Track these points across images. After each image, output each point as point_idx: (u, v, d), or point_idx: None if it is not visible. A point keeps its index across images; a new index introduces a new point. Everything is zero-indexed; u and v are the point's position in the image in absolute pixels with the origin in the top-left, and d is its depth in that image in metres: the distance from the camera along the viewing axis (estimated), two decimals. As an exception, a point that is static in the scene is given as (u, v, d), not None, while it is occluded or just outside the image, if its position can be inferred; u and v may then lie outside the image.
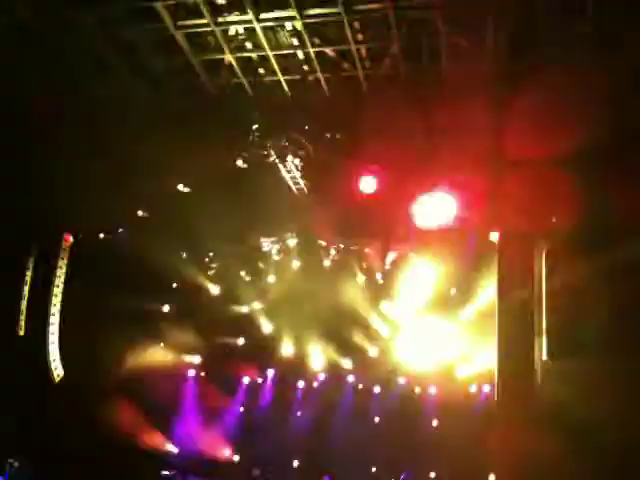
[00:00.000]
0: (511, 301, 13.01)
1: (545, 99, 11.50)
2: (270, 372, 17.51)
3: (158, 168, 14.65)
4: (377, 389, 16.68)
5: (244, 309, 17.40)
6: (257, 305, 17.23)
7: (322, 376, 17.14)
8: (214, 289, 17.11)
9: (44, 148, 14.61)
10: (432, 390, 16.08)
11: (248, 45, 13.25)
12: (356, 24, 11.99)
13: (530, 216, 12.60)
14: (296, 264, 16.56)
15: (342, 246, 15.90)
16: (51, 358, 15.71)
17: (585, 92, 11.28)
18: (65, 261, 16.05)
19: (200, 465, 16.66)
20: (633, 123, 11.98)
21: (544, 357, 13.28)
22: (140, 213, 16.09)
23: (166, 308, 17.25)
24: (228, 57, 13.55)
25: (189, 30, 13.06)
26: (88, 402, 15.44)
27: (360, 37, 12.23)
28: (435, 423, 15.87)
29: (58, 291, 15.81)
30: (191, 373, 17.60)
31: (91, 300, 15.89)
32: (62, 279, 15.87)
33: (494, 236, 13.29)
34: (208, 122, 14.28)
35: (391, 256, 15.56)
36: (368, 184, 13.73)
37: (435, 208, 13.08)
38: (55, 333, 15.83)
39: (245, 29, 12.83)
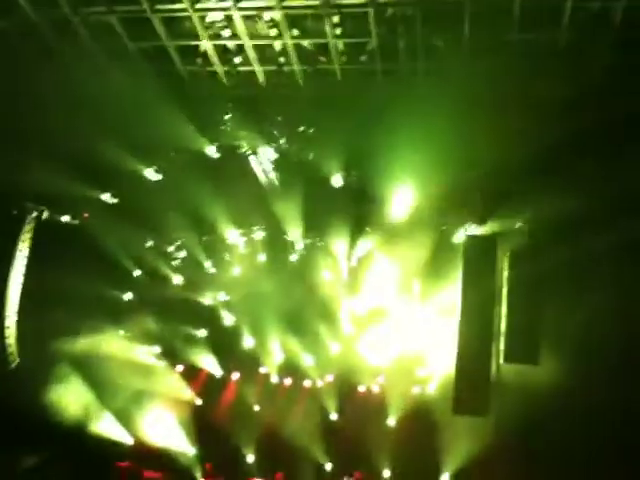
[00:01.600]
0: (473, 302, 13.19)
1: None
2: (235, 374, 17.38)
3: (127, 153, 14.50)
4: (335, 386, 16.64)
5: (207, 301, 17.24)
6: (221, 297, 17.07)
7: (281, 371, 17.06)
8: (177, 279, 16.91)
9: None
10: (390, 389, 16.10)
11: (225, 33, 13.27)
12: (335, 18, 12.07)
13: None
14: (262, 258, 16.51)
15: (309, 241, 15.95)
16: (7, 343, 15.31)
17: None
18: (26, 243, 15.68)
19: (155, 458, 16.41)
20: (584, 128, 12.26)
21: (501, 360, 13.50)
22: (106, 198, 15.94)
23: (128, 296, 16.97)
24: (204, 44, 13.53)
25: (166, 14, 12.99)
26: (40, 388, 15.14)
27: (338, 31, 12.31)
28: (392, 422, 15.89)
29: (17, 273, 15.40)
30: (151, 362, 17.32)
31: (49, 284, 15.53)
32: (22, 260, 15.44)
33: (459, 236, 13.50)
34: (180, 109, 14.19)
35: (357, 252, 15.61)
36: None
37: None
38: (12, 317, 15.44)
39: (224, 17, 12.84)
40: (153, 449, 16.53)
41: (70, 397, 15.58)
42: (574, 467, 13.19)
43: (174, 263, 16.93)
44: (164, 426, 16.89)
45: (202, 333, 17.23)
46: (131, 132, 14.38)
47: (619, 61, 11.69)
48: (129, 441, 16.55)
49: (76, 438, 15.61)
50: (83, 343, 16.15)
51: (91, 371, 15.93)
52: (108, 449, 16.10)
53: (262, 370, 17.04)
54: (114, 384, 16.27)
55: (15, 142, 14.27)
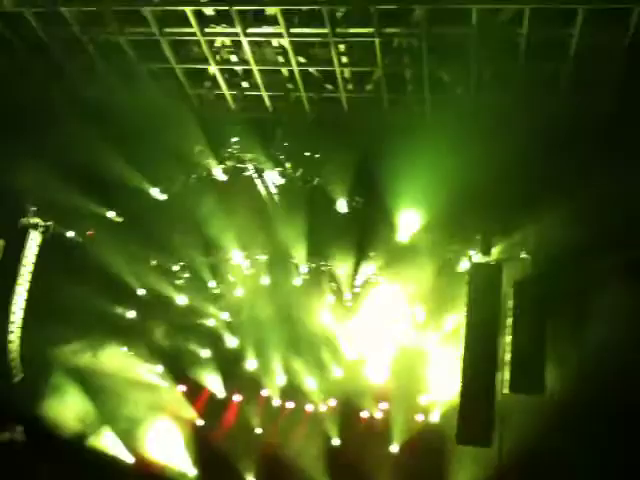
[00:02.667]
0: (477, 330, 13.07)
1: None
2: (237, 396, 17.31)
3: (134, 173, 14.57)
4: (337, 411, 16.52)
5: (210, 321, 17.21)
6: (224, 318, 17.04)
7: (283, 394, 16.97)
8: (181, 299, 16.88)
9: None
10: (393, 415, 15.97)
11: (233, 58, 13.33)
12: (341, 46, 12.08)
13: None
14: (266, 280, 16.47)
15: (313, 265, 15.90)
16: (10, 357, 15.32)
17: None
18: (31, 258, 15.71)
19: (155, 478, 16.35)
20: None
21: (506, 390, 13.34)
22: (112, 216, 15.99)
23: (131, 314, 16.96)
24: (212, 68, 13.59)
25: (175, 37, 13.08)
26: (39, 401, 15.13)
27: (345, 59, 12.32)
28: (394, 449, 15.75)
29: (23, 286, 15.40)
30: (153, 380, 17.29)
31: (53, 297, 15.54)
32: (26, 275, 15.44)
33: (464, 265, 13.40)
34: (188, 131, 14.26)
35: (361, 277, 15.55)
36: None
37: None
38: (15, 332, 15.46)
39: (232, 42, 12.90)
40: (153, 469, 16.48)
41: (69, 411, 15.53)
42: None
43: (178, 282, 16.92)
44: (165, 446, 16.83)
45: (206, 353, 17.20)
46: (138, 151, 14.47)
47: (623, 93, 11.61)
48: (129, 460, 16.51)
49: (75, 453, 15.54)
50: (85, 358, 16.16)
51: (92, 386, 15.90)
52: (107, 467, 16.07)
53: (264, 393, 16.95)
54: (115, 400, 16.23)
55: (24, 155, 14.39)
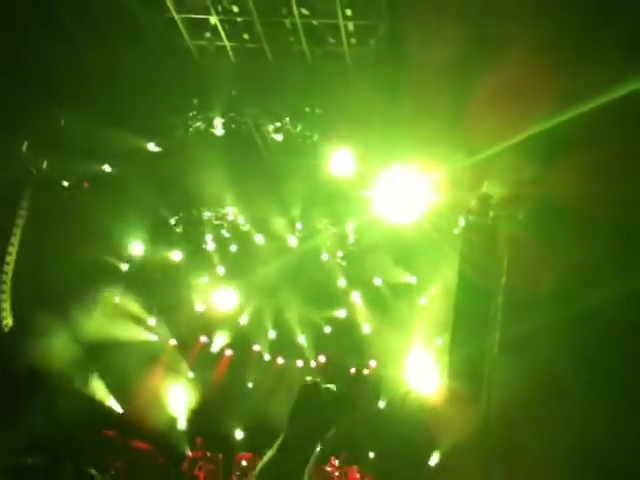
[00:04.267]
0: (470, 290, 13.19)
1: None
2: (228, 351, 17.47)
3: (132, 124, 14.40)
4: (327, 366, 16.79)
5: (205, 277, 17.29)
6: (218, 273, 17.11)
7: (274, 350, 17.19)
8: (176, 254, 16.89)
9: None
10: (381, 372, 16.23)
11: (235, 8, 13.12)
12: (346, -1, 11.94)
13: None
14: (260, 238, 16.51)
15: (310, 223, 15.95)
16: (1, 307, 15.31)
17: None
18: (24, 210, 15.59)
19: (144, 429, 16.51)
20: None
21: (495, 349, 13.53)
22: (106, 168, 15.84)
23: (125, 266, 16.97)
24: (213, 19, 13.39)
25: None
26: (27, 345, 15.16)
27: (349, 12, 12.19)
28: (382, 405, 16.04)
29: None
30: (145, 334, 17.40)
31: (45, 249, 15.45)
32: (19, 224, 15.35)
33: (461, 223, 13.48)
34: (187, 83, 14.10)
35: (356, 237, 15.64)
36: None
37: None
38: (7, 282, 15.43)
39: (234, -8, 12.69)
40: (143, 420, 16.65)
41: (57, 356, 15.54)
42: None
43: (173, 236, 16.94)
44: (155, 397, 17.02)
45: (199, 308, 17.32)
46: (135, 104, 14.27)
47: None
48: (118, 410, 16.67)
49: (61, 398, 15.62)
50: (77, 306, 16.14)
51: (82, 336, 15.91)
52: (95, 415, 16.16)
53: (255, 348, 17.17)
54: (106, 350, 16.29)
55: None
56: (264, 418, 16.36)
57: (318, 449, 2.97)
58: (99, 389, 16.63)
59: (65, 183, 15.96)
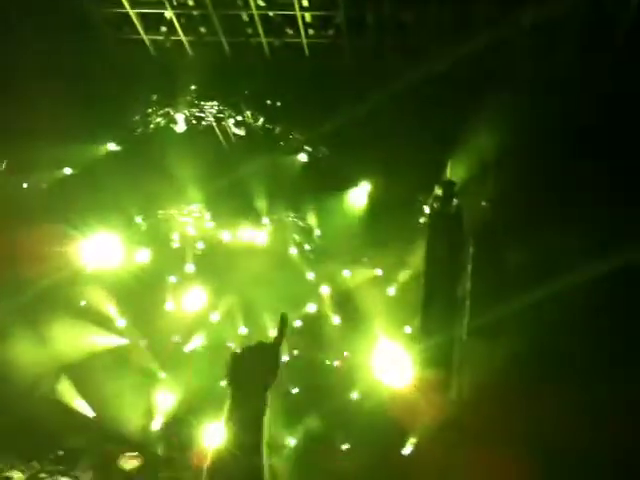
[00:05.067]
0: (437, 279, 13.24)
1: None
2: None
3: (87, 121, 14.13)
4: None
5: (173, 278, 17.09)
6: (186, 271, 16.93)
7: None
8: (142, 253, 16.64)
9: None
10: (353, 364, 16.20)
11: (190, 2, 12.94)
12: (302, -11, 11.85)
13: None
14: (226, 234, 16.36)
15: (275, 217, 15.85)
16: None
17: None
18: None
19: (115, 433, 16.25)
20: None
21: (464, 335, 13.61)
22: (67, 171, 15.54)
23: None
24: (168, 13, 13.19)
25: (129, -20, 12.61)
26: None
27: (305, 3, 12.10)
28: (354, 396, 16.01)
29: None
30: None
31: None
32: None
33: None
34: (144, 77, 13.88)
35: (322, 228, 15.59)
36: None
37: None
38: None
39: (188, -15, 12.52)
40: (115, 422, 16.39)
41: (22, 358, 15.19)
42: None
43: (137, 235, 16.67)
44: (127, 399, 16.76)
45: (169, 307, 17.11)
46: (90, 101, 14.01)
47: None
48: (89, 413, 16.39)
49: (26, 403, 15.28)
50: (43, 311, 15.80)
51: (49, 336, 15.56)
52: (65, 419, 15.86)
53: (229, 344, 17.02)
54: (75, 354, 15.98)
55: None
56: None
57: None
58: (69, 394, 16.34)
59: (25, 185, 15.66)
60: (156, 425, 16.73)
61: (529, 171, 12.77)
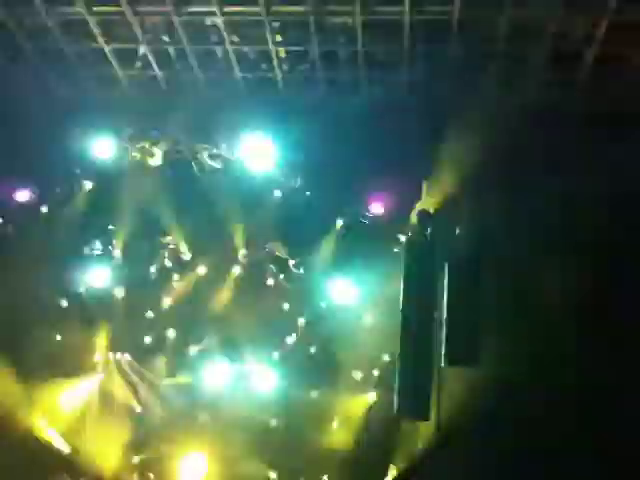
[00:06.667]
0: (414, 308, 13.31)
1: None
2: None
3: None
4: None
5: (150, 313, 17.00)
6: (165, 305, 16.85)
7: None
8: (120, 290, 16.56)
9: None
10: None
11: (165, 38, 13.10)
12: (276, 24, 12.07)
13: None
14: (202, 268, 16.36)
15: (252, 249, 15.90)
16: None
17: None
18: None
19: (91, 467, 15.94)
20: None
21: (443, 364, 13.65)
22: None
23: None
24: (143, 48, 13.32)
25: (104, 17, 12.72)
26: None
27: (279, 38, 12.32)
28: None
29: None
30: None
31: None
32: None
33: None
34: (118, 113, 13.98)
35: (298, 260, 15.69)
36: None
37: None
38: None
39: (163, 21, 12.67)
40: (91, 458, 16.09)
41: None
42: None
43: (116, 270, 16.58)
44: (105, 434, 16.50)
45: (148, 340, 16.98)
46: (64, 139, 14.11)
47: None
48: (65, 449, 16.11)
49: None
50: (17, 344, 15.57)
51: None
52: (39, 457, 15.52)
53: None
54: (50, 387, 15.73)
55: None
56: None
57: None
58: (43, 429, 16.07)
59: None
60: (131, 459, 16.51)
61: (503, 195, 13.04)
